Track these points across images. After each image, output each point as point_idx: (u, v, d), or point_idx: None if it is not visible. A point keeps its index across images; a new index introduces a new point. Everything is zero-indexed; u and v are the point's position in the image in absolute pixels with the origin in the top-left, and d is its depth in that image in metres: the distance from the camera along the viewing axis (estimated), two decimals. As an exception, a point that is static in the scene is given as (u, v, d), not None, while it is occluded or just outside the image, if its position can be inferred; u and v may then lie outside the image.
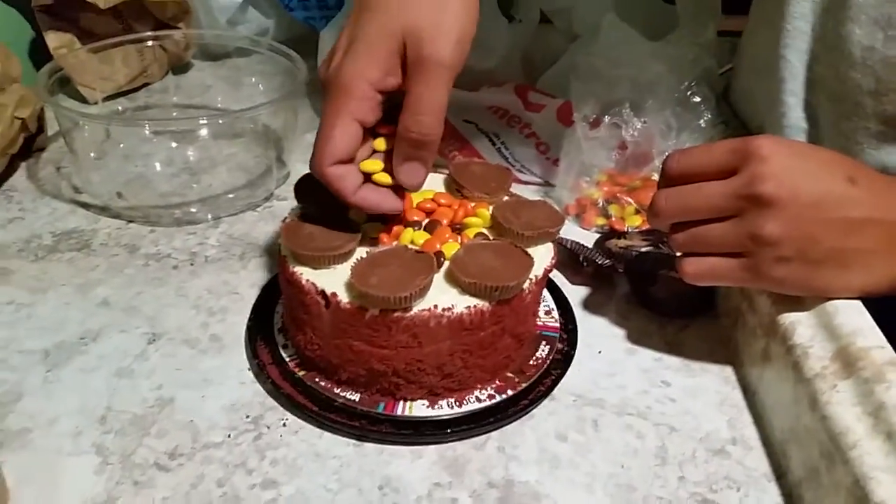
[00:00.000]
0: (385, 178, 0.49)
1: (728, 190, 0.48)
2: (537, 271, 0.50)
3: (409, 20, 0.46)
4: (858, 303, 0.49)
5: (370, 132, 0.49)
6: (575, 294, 0.61)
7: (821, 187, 0.47)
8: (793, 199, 0.46)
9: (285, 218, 0.53)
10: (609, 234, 0.68)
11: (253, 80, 0.85)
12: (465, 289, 0.47)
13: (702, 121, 0.72)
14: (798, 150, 0.49)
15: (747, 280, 0.49)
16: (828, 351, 0.46)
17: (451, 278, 0.48)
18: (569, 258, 0.64)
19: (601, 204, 0.71)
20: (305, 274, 0.48)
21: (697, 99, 0.73)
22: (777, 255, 0.47)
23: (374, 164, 0.49)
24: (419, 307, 0.46)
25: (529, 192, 0.75)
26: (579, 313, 0.59)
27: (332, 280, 0.47)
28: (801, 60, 0.67)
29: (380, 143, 0.50)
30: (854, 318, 0.47)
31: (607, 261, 0.63)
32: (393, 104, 0.48)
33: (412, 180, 0.49)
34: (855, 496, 0.39)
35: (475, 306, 0.47)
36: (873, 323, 0.47)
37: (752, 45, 0.80)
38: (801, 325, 0.49)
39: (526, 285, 0.49)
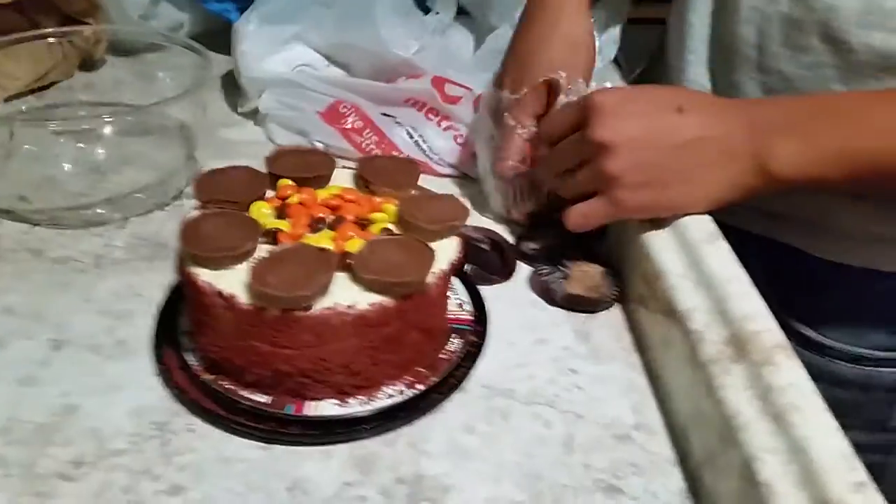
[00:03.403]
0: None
1: (574, 144, 0.58)
2: (442, 265, 0.50)
3: None
4: (752, 288, 0.50)
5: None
6: (488, 287, 0.62)
7: (649, 121, 0.55)
8: (624, 137, 0.54)
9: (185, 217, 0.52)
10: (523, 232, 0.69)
11: (162, 75, 0.83)
12: (367, 285, 0.47)
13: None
14: (627, 94, 0.59)
15: (612, 213, 0.58)
16: (721, 336, 0.48)
17: (354, 275, 0.48)
18: (482, 251, 0.65)
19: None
20: (203, 275, 0.47)
21: (609, 84, 0.74)
22: (625, 186, 0.55)
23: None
24: (321, 305, 0.46)
25: (449, 185, 0.75)
26: (492, 305, 0.59)
27: (232, 281, 0.47)
28: (704, 23, 0.73)
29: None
30: (747, 302, 0.49)
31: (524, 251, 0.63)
32: None
33: None
34: (744, 477, 0.41)
35: (378, 303, 0.47)
36: (765, 307, 0.49)
37: (671, 25, 0.83)
38: (697, 311, 0.50)
39: (431, 280, 0.49)
